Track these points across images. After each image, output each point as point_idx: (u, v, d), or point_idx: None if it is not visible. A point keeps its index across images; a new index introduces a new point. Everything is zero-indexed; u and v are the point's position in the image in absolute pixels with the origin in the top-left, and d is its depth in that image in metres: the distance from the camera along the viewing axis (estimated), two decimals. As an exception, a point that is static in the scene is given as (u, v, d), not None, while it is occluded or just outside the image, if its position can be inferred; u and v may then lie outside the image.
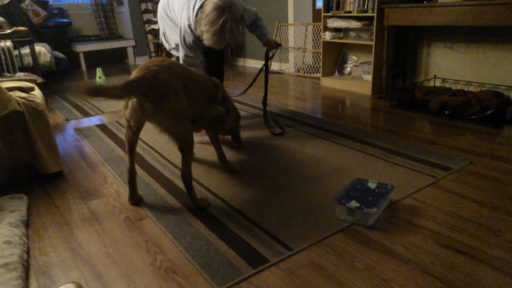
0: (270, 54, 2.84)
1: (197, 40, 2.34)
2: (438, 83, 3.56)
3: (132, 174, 1.80)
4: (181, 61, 2.48)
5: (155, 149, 2.54)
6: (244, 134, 2.73)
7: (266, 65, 2.87)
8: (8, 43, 3.32)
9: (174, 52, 2.68)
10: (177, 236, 1.57)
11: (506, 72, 3.09)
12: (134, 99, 1.57)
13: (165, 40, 2.66)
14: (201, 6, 2.20)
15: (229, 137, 2.60)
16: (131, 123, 1.64)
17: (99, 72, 4.00)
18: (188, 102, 1.73)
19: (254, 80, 2.90)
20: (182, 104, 1.65)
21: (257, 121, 3.02)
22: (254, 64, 5.69)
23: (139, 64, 2.06)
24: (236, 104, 3.51)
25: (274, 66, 5.31)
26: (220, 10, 2.08)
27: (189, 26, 2.31)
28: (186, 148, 1.69)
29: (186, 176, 1.71)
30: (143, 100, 1.56)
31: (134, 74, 1.61)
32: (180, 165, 2.06)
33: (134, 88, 1.52)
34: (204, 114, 1.98)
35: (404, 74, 3.81)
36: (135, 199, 1.85)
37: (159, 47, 5.69)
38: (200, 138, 2.67)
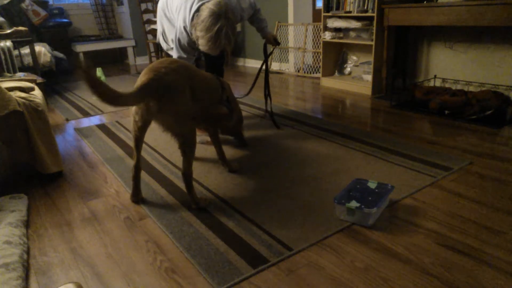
0: (269, 50, 2.81)
1: (192, 42, 2.34)
2: (438, 83, 3.56)
3: (137, 169, 1.81)
4: None
5: (155, 149, 2.53)
6: (244, 134, 2.73)
7: (266, 60, 2.84)
8: (8, 43, 3.32)
9: (172, 53, 2.68)
10: (177, 236, 1.57)
11: (506, 72, 3.09)
12: None
13: (164, 40, 2.66)
14: (198, 10, 2.19)
15: (230, 137, 2.61)
16: (136, 118, 1.67)
17: (99, 72, 4.00)
18: (193, 103, 1.75)
19: (255, 80, 2.88)
20: (186, 106, 1.67)
21: (258, 121, 3.02)
22: (254, 64, 5.69)
23: (139, 64, 2.07)
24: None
25: (274, 66, 5.30)
26: (216, 16, 2.07)
27: (185, 28, 2.31)
28: (187, 147, 1.70)
29: (187, 175, 1.72)
30: (149, 99, 1.58)
31: (143, 75, 1.62)
32: (180, 165, 2.06)
33: (145, 93, 1.55)
34: (206, 112, 2.00)
35: (404, 74, 3.81)
36: (137, 197, 1.85)
37: (159, 47, 5.68)
38: (200, 138, 2.67)
